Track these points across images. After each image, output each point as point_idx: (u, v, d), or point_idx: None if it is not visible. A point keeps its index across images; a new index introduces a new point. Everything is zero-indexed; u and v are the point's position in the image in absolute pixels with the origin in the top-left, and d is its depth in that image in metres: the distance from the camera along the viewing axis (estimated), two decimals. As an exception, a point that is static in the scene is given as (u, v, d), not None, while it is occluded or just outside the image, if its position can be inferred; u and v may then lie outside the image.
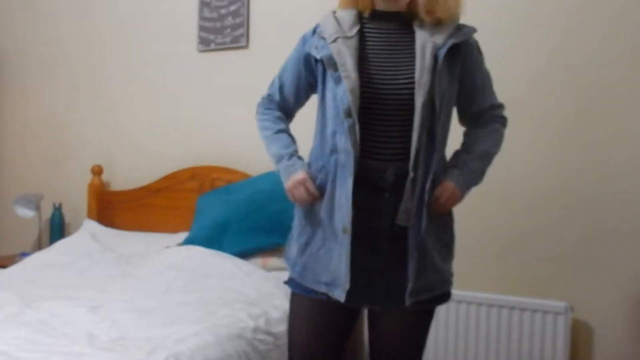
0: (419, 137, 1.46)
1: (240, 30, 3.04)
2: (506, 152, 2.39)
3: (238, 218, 2.65)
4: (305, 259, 1.58)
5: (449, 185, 1.53)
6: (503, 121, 1.68)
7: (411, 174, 1.46)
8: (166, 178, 3.18)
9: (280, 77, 1.72)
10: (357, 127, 1.45)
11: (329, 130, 1.53)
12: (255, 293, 2.32)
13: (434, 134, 1.48)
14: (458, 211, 2.63)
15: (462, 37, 1.53)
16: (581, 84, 2.29)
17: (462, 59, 1.55)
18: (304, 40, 1.65)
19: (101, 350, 1.69)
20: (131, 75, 3.40)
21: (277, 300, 2.26)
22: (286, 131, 1.70)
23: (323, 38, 1.57)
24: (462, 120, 1.69)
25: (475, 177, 1.59)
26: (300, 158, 1.64)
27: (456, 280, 2.45)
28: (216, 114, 3.13)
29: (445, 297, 1.61)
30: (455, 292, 2.39)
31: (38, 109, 3.73)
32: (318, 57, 1.56)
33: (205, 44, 3.15)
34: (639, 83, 2.20)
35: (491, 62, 2.43)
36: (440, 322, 2.43)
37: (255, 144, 3.00)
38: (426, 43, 1.49)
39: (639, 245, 2.20)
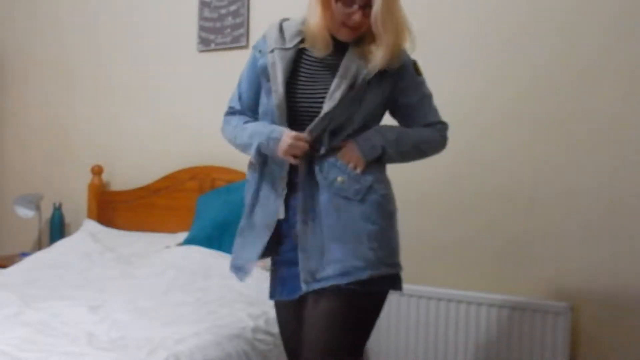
0: (314, 142, 1.55)
1: (240, 30, 3.04)
2: (506, 152, 2.41)
3: (238, 218, 2.64)
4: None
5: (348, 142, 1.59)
6: (443, 135, 1.72)
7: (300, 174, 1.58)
8: (166, 178, 3.18)
9: (238, 87, 1.75)
10: None
11: None
12: (255, 293, 2.32)
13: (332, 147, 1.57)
14: (458, 211, 2.64)
15: (393, 65, 1.57)
16: (581, 84, 2.29)
17: (392, 82, 1.60)
18: (255, 46, 1.71)
19: (101, 350, 1.69)
20: (131, 75, 3.40)
21: (277, 300, 2.26)
22: (253, 122, 1.71)
23: (266, 43, 1.64)
24: None
25: (390, 145, 1.61)
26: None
27: (457, 280, 2.47)
28: (216, 114, 3.10)
29: (373, 283, 1.53)
30: (456, 292, 2.39)
31: (38, 108, 3.73)
32: (257, 63, 1.65)
33: (205, 44, 3.15)
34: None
35: (492, 62, 2.45)
36: (440, 321, 2.43)
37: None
38: (352, 64, 1.54)
39: None
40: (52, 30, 3.67)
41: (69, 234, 3.41)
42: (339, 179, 1.55)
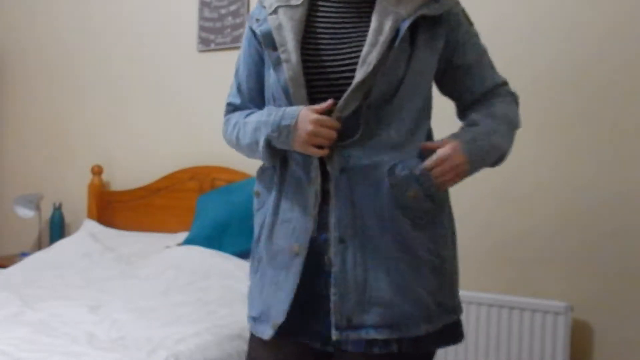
0: (353, 127, 1.14)
1: (240, 30, 3.04)
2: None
3: (238, 218, 2.65)
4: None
5: (448, 148, 1.15)
6: (514, 97, 1.31)
7: (335, 174, 1.15)
8: (166, 178, 3.18)
9: (236, 76, 1.39)
10: None
11: None
12: (255, 293, 2.32)
13: (380, 128, 1.15)
14: (458, 211, 2.63)
15: (438, 10, 1.18)
16: (583, 84, 2.29)
17: (444, 33, 1.21)
18: (249, 17, 1.34)
19: (101, 350, 1.69)
20: (131, 75, 3.40)
21: (277, 300, 2.26)
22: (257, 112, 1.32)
23: (264, 7, 1.27)
24: (462, 111, 1.33)
25: (492, 143, 1.20)
26: None
27: (456, 280, 2.47)
28: (216, 114, 3.12)
29: (428, 340, 1.17)
30: (455, 292, 2.39)
31: (38, 109, 3.73)
32: (257, 32, 1.26)
33: (205, 44, 3.15)
34: None
35: (495, 61, 2.44)
36: (440, 322, 2.43)
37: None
38: (387, 13, 1.15)
39: (639, 245, 2.20)
40: (52, 31, 3.67)
41: (69, 234, 3.41)
42: (411, 192, 1.13)
